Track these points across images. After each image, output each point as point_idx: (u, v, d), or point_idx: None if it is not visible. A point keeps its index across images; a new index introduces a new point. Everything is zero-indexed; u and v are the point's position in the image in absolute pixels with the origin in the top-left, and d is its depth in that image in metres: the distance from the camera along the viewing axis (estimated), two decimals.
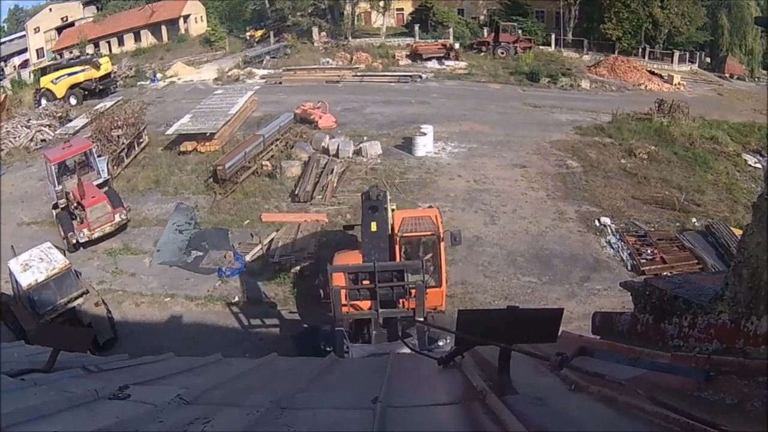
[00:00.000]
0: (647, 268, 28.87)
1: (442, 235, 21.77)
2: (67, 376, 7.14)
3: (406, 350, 12.73)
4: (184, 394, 5.75)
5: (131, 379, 6.63)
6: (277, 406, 5.28)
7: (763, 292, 4.96)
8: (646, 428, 4.14)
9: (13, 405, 5.06)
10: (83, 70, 60.18)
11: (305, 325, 24.98)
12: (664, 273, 28.12)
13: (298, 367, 9.50)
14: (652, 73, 66.68)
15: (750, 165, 42.26)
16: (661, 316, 6.96)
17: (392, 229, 21.62)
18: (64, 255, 25.85)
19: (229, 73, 65.91)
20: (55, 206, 32.15)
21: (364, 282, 19.10)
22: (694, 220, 33.74)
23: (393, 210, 24.80)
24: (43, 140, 47.44)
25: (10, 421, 4.65)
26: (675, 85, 63.30)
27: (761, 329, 4.88)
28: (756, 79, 70.56)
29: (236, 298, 27.66)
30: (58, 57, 76.73)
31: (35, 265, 23.80)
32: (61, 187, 31.60)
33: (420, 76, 62.57)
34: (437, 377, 7.12)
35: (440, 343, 18.59)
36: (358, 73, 63.69)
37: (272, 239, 31.05)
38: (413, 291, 18.90)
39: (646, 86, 63.00)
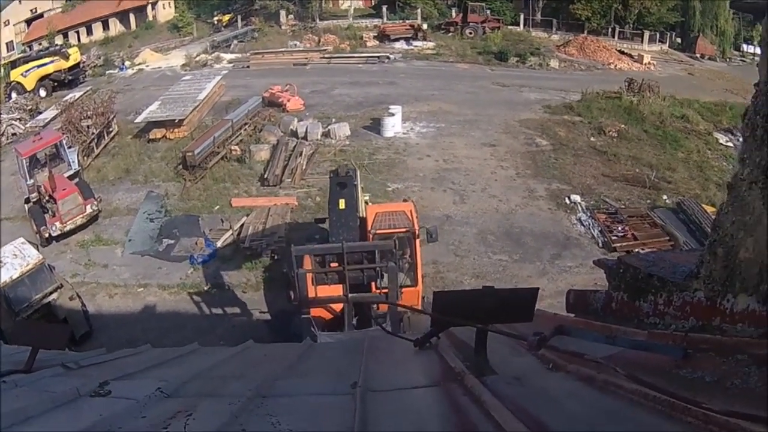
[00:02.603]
0: (618, 245, 29.09)
1: (417, 232, 21.03)
2: (48, 375, 7.12)
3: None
4: (164, 387, 5.74)
5: (111, 375, 6.60)
6: (257, 394, 5.28)
7: (738, 270, 5.00)
8: (626, 406, 4.15)
9: None
10: (52, 62, 59.41)
11: (269, 318, 24.94)
12: (636, 250, 28.36)
13: (275, 353, 9.47)
14: (621, 52, 66.69)
15: (722, 144, 42.54)
16: (635, 294, 7.01)
17: (365, 224, 20.88)
18: (38, 250, 25.65)
19: (197, 59, 65.23)
20: (27, 200, 31.77)
21: (332, 265, 17.78)
22: (665, 197, 34.00)
23: (367, 203, 24.52)
24: (14, 134, 46.81)
25: None
26: (645, 64, 63.39)
27: (737, 307, 4.91)
28: (728, 60, 70.64)
29: (208, 286, 27.57)
30: (27, 49, 75.63)
31: (9, 262, 23.42)
32: (32, 180, 31.28)
33: (388, 57, 62.28)
34: (414, 359, 7.16)
35: None
36: (326, 55, 63.41)
37: (243, 224, 30.95)
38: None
39: (615, 66, 63.03)
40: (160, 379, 6.42)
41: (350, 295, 17.56)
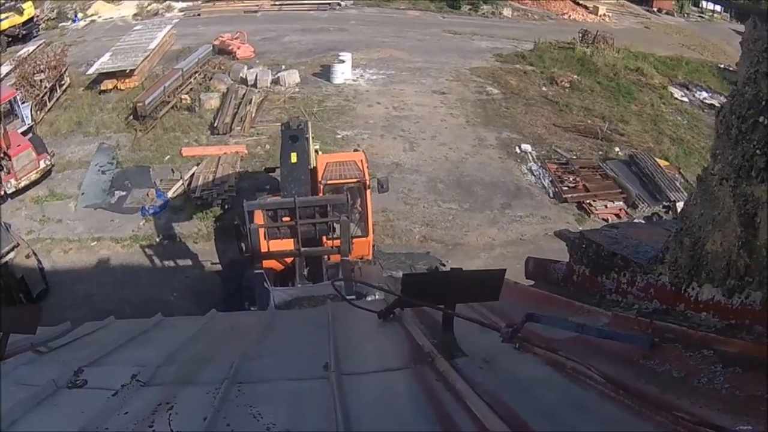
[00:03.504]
0: (569, 195, 29.51)
1: (368, 182, 21.07)
2: (21, 362, 7.08)
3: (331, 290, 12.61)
4: (139, 374, 5.77)
5: (83, 359, 6.61)
6: (233, 382, 5.35)
7: (705, 261, 5.16)
8: (595, 398, 4.31)
9: None
10: (7, 18, 58.38)
11: (221, 269, 25.22)
12: (588, 201, 28.81)
13: (240, 326, 9.51)
14: (576, 3, 65.98)
15: (676, 98, 42.66)
16: (598, 270, 7.17)
17: (316, 175, 20.83)
18: None
19: (149, 8, 64.11)
20: None
21: (285, 219, 17.77)
22: (617, 149, 34.20)
23: (317, 152, 24.45)
24: None
25: None
26: (600, 16, 62.84)
27: (702, 296, 5.08)
28: (686, 15, 70.34)
29: (160, 237, 27.62)
30: None
31: None
32: None
33: (339, 4, 61.53)
34: (380, 333, 7.30)
35: (368, 299, 16.82)
36: (277, 2, 62.70)
37: (193, 174, 30.84)
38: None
39: (569, 16, 62.50)
40: (133, 363, 6.46)
41: (302, 249, 17.80)
